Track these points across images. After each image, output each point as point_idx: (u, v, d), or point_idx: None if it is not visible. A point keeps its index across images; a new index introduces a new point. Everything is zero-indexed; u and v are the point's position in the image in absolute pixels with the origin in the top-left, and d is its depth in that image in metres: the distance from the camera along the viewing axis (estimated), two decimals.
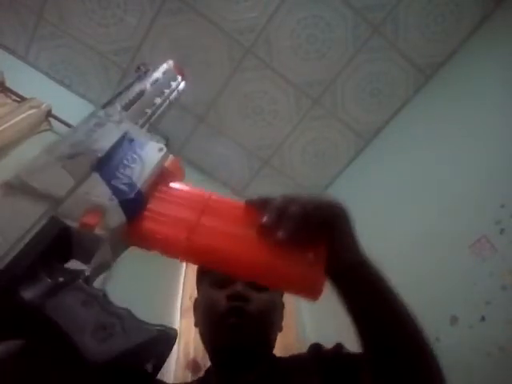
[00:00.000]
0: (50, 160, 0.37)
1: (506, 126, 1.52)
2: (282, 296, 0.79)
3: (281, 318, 0.77)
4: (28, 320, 0.28)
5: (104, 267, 0.35)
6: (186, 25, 1.85)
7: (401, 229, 1.74)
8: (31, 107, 1.65)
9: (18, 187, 0.33)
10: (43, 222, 0.32)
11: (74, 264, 0.34)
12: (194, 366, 1.42)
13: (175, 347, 1.49)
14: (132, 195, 0.37)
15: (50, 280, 0.30)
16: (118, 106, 0.45)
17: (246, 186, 2.30)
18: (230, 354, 0.68)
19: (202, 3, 1.80)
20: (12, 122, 1.55)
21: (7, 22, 1.84)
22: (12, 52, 1.90)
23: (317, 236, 0.44)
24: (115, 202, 0.36)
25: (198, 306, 0.77)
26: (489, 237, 1.39)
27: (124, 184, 0.37)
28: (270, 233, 0.41)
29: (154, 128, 0.48)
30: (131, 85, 0.49)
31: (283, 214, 0.43)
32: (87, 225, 0.34)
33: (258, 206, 0.45)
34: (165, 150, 0.43)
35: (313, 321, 1.92)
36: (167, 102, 0.53)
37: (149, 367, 0.27)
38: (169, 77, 0.55)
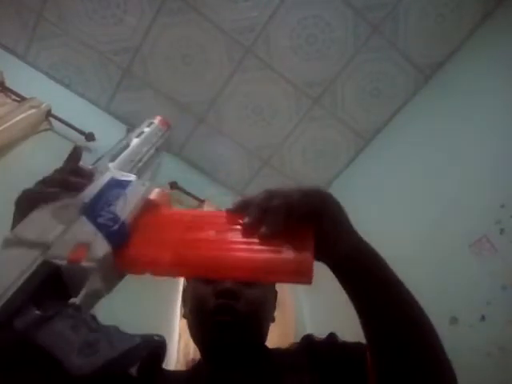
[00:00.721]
0: (42, 212, 0.41)
1: (506, 126, 1.53)
2: (274, 285, 0.78)
3: (273, 309, 0.76)
4: (18, 351, 0.31)
5: (95, 296, 0.37)
6: (185, 25, 1.85)
7: (401, 229, 1.74)
8: (31, 107, 1.66)
9: (14, 240, 0.38)
10: (35, 266, 0.36)
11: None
12: None
13: (175, 347, 1.49)
14: (115, 227, 0.40)
15: (39, 313, 0.32)
16: (105, 160, 0.50)
17: (246, 186, 2.30)
18: (219, 350, 0.67)
19: (201, 3, 1.80)
20: (12, 121, 1.55)
21: (7, 22, 1.84)
22: (12, 52, 1.90)
23: (304, 224, 0.44)
24: (99, 235, 0.39)
25: (186, 298, 0.75)
26: (489, 237, 1.39)
27: (108, 219, 0.41)
28: (253, 231, 0.42)
29: (140, 173, 0.53)
30: (119, 142, 0.55)
31: (266, 209, 0.43)
32: (74, 260, 0.37)
33: (240, 209, 0.45)
34: (148, 184, 0.47)
35: (312, 312, 1.92)
36: (153, 149, 0.58)
37: (133, 372, 0.29)
38: (154, 129, 0.60)
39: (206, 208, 1.96)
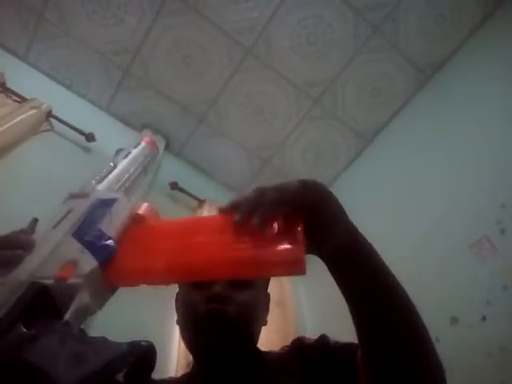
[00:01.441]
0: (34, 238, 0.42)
1: (506, 126, 1.53)
2: (266, 288, 0.77)
3: (265, 312, 0.76)
4: (6, 369, 0.31)
5: (85, 312, 0.37)
6: (185, 25, 1.85)
7: (401, 229, 1.74)
8: (32, 108, 1.66)
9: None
10: (24, 287, 0.36)
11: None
12: None
13: (175, 349, 1.49)
14: (101, 242, 0.41)
15: (26, 332, 0.33)
16: (92, 182, 0.52)
17: (246, 186, 2.30)
18: (211, 355, 0.67)
19: (201, 3, 1.80)
20: (13, 122, 1.55)
21: (8, 22, 1.84)
22: (13, 52, 1.90)
23: (295, 216, 0.45)
24: (86, 252, 0.40)
25: (177, 305, 0.75)
26: (489, 237, 1.39)
27: (94, 236, 0.42)
28: (244, 226, 0.42)
29: (129, 192, 0.54)
30: (107, 164, 0.57)
31: (256, 205, 0.44)
32: (61, 278, 0.37)
33: (232, 209, 0.45)
34: (134, 200, 0.49)
35: (313, 314, 1.92)
36: (141, 168, 0.60)
37: (120, 378, 0.29)
38: (142, 149, 0.63)
39: (207, 208, 1.96)
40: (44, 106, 1.71)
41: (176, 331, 1.55)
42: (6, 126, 1.51)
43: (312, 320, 1.92)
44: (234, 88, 2.03)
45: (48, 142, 1.72)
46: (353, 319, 0.52)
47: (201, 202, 2.01)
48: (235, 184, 2.29)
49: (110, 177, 0.53)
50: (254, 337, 0.72)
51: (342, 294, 0.51)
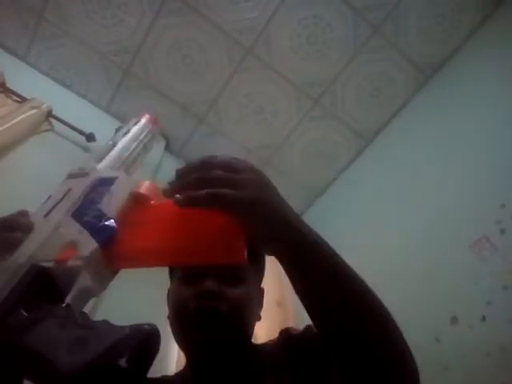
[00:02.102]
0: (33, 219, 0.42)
1: (506, 126, 1.52)
2: (260, 283, 0.76)
3: (258, 307, 0.74)
4: (8, 354, 0.31)
5: (86, 294, 0.37)
6: (185, 25, 1.85)
7: (401, 228, 1.74)
8: (32, 108, 1.66)
9: None
10: (23, 270, 0.35)
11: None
12: None
13: (175, 347, 1.49)
14: (101, 223, 0.40)
15: (27, 315, 0.32)
16: (91, 161, 0.51)
17: None
18: (201, 352, 0.66)
19: (201, 3, 1.80)
20: (12, 122, 1.55)
21: (8, 22, 1.84)
22: (12, 52, 1.90)
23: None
24: (85, 233, 0.39)
25: (169, 300, 0.74)
26: (489, 236, 1.39)
27: (93, 216, 0.40)
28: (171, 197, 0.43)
29: (129, 170, 0.53)
30: (107, 142, 0.56)
31: (200, 180, 0.43)
32: (61, 260, 0.37)
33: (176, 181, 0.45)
34: (134, 179, 0.47)
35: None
36: (141, 145, 0.58)
37: (122, 363, 0.29)
38: (142, 126, 0.61)
39: None
40: (44, 106, 1.70)
41: None
42: (5, 126, 1.51)
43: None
44: (234, 88, 2.03)
45: (48, 142, 1.72)
46: (307, 312, 0.50)
47: None
48: None
49: (110, 155, 0.52)
50: (247, 333, 0.71)
51: (296, 291, 0.49)
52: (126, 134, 0.57)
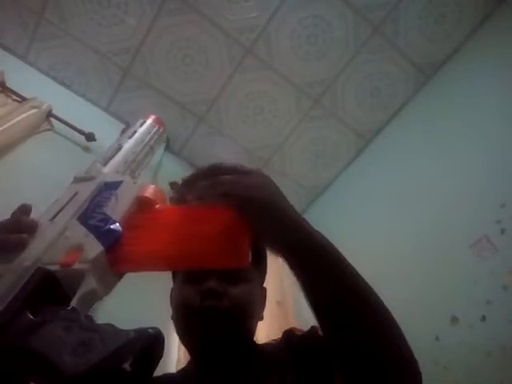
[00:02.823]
0: (39, 221, 0.42)
1: (506, 126, 1.53)
2: (262, 282, 0.77)
3: (261, 307, 0.75)
4: (14, 357, 0.31)
5: (91, 297, 0.37)
6: (185, 25, 1.85)
7: (401, 228, 1.74)
8: (32, 107, 1.66)
9: None
10: (29, 274, 0.36)
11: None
12: None
13: (175, 348, 1.49)
14: (106, 227, 0.40)
15: (33, 318, 0.32)
16: (97, 164, 0.50)
17: None
18: (205, 351, 0.67)
19: (202, 3, 1.80)
20: (13, 122, 1.55)
21: (8, 22, 1.84)
22: (12, 52, 1.90)
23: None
24: (91, 236, 0.39)
25: (172, 299, 0.75)
26: (489, 237, 1.39)
27: (99, 220, 0.41)
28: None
29: (135, 173, 0.53)
30: (113, 144, 0.56)
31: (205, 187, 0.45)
32: (66, 263, 0.37)
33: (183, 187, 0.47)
34: (140, 183, 0.47)
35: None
36: (147, 148, 0.58)
37: (127, 367, 0.29)
38: (148, 127, 0.60)
39: None
40: (44, 106, 1.70)
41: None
42: (5, 126, 1.51)
43: (312, 320, 1.92)
44: (234, 88, 2.03)
45: (48, 141, 1.72)
46: (312, 311, 0.51)
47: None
48: None
49: (116, 158, 0.52)
50: (249, 332, 0.71)
51: (301, 289, 0.50)
52: (131, 135, 0.57)
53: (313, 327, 0.67)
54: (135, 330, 0.31)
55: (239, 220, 0.43)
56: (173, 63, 1.95)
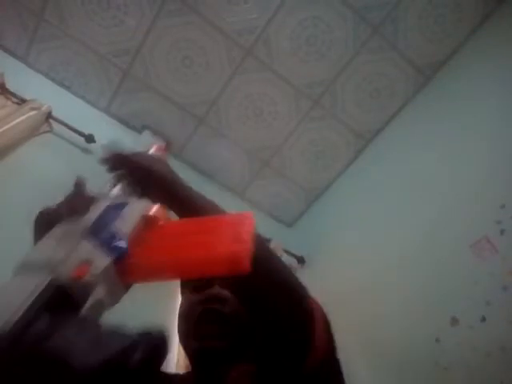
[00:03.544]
0: (49, 238, 0.46)
1: (506, 126, 1.53)
2: None
3: None
4: (28, 362, 0.32)
5: (100, 307, 0.40)
6: (185, 26, 1.85)
7: (401, 229, 1.74)
8: (31, 109, 1.66)
9: (22, 267, 0.41)
10: (42, 287, 0.38)
11: None
12: None
13: (174, 351, 1.48)
14: (114, 242, 0.44)
15: (45, 327, 0.34)
16: (107, 186, 0.58)
17: (246, 187, 2.30)
18: (207, 355, 0.68)
19: (201, 5, 1.80)
20: (12, 123, 1.55)
21: (7, 23, 1.84)
22: (12, 53, 1.90)
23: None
24: (100, 251, 0.43)
25: (178, 311, 0.76)
26: (489, 237, 1.39)
27: (107, 237, 0.45)
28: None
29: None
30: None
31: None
32: (77, 277, 0.40)
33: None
34: (144, 202, 0.55)
35: None
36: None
37: (132, 367, 0.31)
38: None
39: None
40: (44, 108, 1.70)
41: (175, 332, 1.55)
42: (5, 128, 1.51)
43: None
44: (233, 89, 2.03)
45: (48, 143, 1.72)
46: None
47: None
48: (235, 185, 2.29)
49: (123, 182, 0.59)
50: (250, 336, 0.71)
51: None
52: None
53: None
54: (140, 331, 0.33)
55: (239, 229, 0.46)
56: (172, 64, 1.95)
